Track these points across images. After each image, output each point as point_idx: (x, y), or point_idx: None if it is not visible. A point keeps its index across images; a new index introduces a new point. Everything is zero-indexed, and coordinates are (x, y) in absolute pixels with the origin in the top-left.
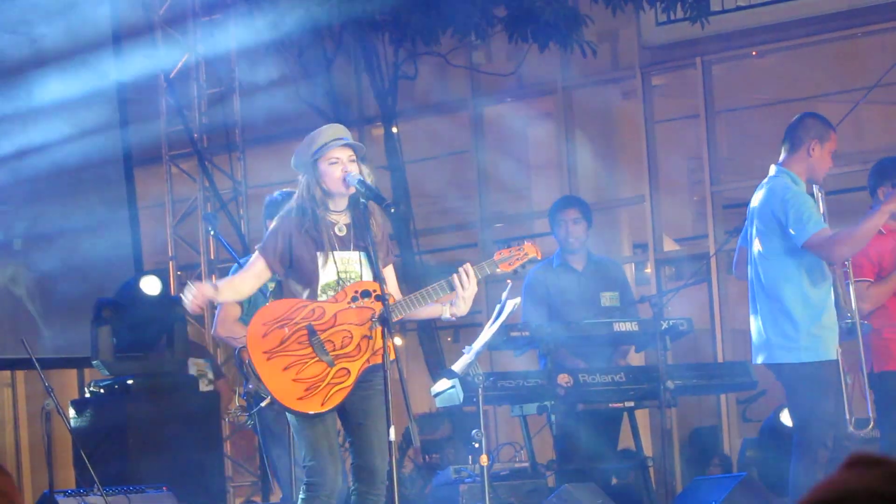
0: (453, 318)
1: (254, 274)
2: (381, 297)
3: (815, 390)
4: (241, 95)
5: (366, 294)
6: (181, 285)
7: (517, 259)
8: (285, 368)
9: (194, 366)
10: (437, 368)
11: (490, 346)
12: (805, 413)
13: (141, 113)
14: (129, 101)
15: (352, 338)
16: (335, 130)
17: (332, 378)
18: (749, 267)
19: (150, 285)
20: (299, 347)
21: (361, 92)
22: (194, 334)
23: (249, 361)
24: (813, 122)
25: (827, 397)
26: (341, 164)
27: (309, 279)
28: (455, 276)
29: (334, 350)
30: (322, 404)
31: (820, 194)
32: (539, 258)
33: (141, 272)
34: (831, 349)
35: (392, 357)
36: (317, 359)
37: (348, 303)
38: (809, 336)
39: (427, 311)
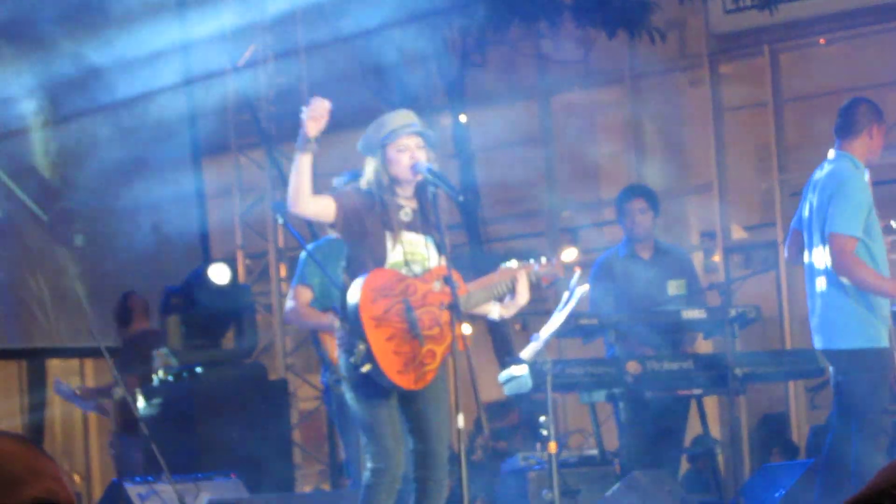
0: (500, 319)
1: (322, 202)
2: (448, 282)
3: (871, 377)
4: (310, 85)
5: (448, 281)
6: (249, 274)
7: (556, 265)
8: (388, 339)
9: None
10: (506, 356)
11: (558, 334)
12: (861, 400)
13: (209, 101)
14: (196, 89)
15: (437, 321)
16: (405, 117)
17: (422, 358)
18: (806, 250)
19: (219, 273)
20: (398, 321)
21: (430, 80)
22: (263, 323)
23: (360, 325)
24: (868, 107)
25: (883, 384)
26: (409, 152)
27: (379, 257)
28: (519, 277)
29: (424, 330)
30: (416, 382)
31: (869, 179)
32: (562, 276)
33: (209, 260)
34: (883, 336)
35: (461, 348)
36: (411, 335)
37: (433, 286)
38: (862, 322)
39: (482, 307)
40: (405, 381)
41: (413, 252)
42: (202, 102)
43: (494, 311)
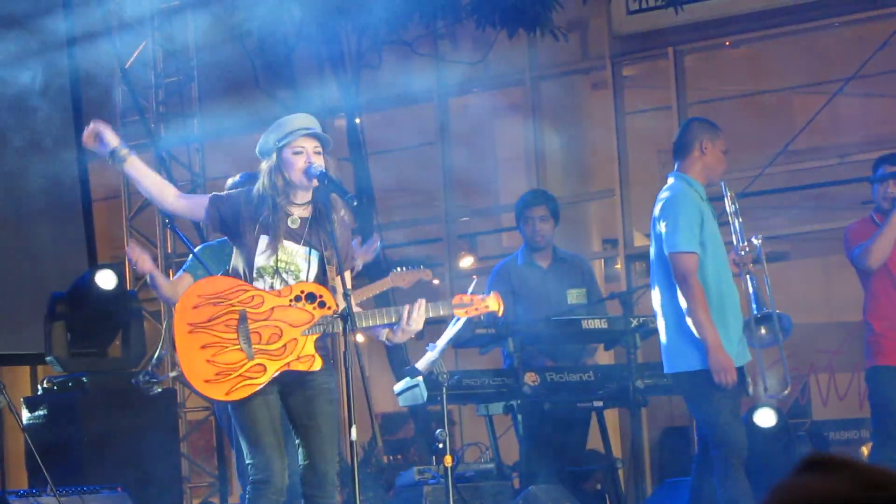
0: (388, 343)
1: (193, 202)
2: (346, 294)
3: (717, 395)
4: (200, 85)
5: (311, 297)
6: (137, 279)
7: (476, 309)
8: (203, 346)
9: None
10: (401, 366)
11: (455, 344)
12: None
13: (95, 103)
14: (82, 90)
15: (280, 336)
16: (304, 120)
17: (245, 370)
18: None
19: (106, 279)
20: (225, 330)
21: (324, 81)
22: (151, 331)
23: (168, 326)
24: (699, 124)
25: (727, 402)
26: (305, 155)
27: (248, 256)
28: (406, 308)
29: (258, 343)
30: (227, 393)
31: (730, 194)
32: (500, 315)
33: (96, 266)
34: (736, 354)
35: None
36: (238, 347)
37: (290, 300)
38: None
39: (373, 326)
40: (213, 391)
41: (288, 262)
42: (88, 102)
43: (382, 335)
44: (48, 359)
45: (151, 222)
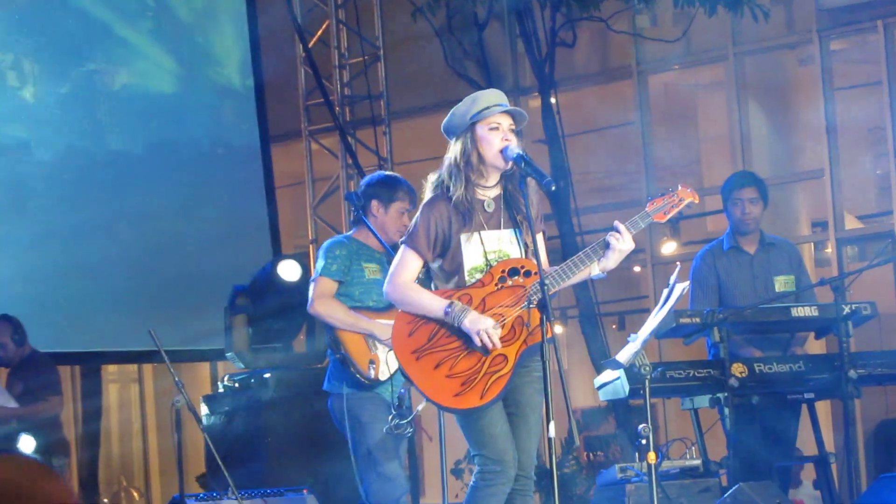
0: (603, 274)
1: (412, 272)
2: (539, 276)
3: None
4: (386, 65)
5: (514, 272)
6: None
7: (672, 206)
8: (437, 366)
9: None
10: (601, 359)
11: (658, 334)
12: None
13: (278, 84)
14: (265, 71)
15: (504, 322)
16: (497, 96)
17: (488, 367)
18: None
19: (289, 270)
20: (448, 341)
21: (516, 60)
22: None
23: (400, 367)
24: None
25: None
26: (502, 132)
27: (457, 263)
28: (609, 234)
29: None
30: (482, 397)
31: None
32: (696, 201)
33: (279, 256)
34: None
35: (549, 335)
36: (469, 349)
37: (496, 284)
38: None
39: (579, 275)
40: (467, 401)
41: (496, 250)
42: (270, 84)
43: (594, 269)
44: (228, 355)
45: (336, 208)
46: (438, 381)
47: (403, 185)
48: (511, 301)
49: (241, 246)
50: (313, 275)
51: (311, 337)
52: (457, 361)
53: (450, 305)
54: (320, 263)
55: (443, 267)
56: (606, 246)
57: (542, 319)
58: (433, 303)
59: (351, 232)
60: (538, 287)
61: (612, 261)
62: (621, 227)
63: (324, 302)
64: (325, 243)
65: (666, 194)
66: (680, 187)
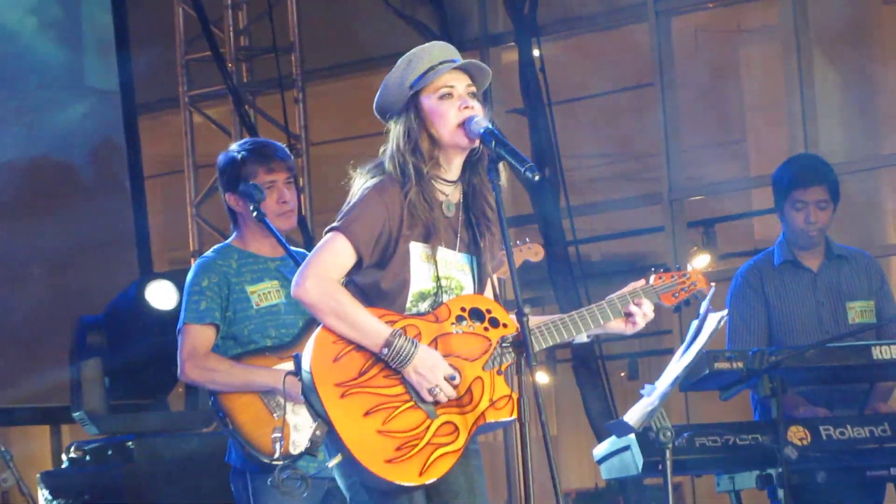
0: (588, 339)
1: (341, 269)
2: (520, 314)
3: None
4: (300, 7)
5: (476, 315)
6: None
7: (682, 289)
8: (367, 413)
9: None
10: (604, 420)
11: (683, 386)
12: None
13: (145, 30)
14: (129, 13)
15: (460, 377)
16: (441, 50)
17: (433, 436)
18: None
19: (161, 294)
20: (387, 383)
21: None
22: None
23: (317, 401)
24: None
25: None
26: (457, 98)
27: (401, 281)
28: (632, 299)
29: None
30: (420, 473)
31: None
32: (708, 293)
33: (148, 275)
34: None
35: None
36: (412, 404)
37: (452, 324)
38: None
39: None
40: (402, 474)
41: (448, 276)
42: (137, 31)
43: (582, 335)
44: (76, 415)
45: (220, 208)
46: (367, 435)
47: (270, 146)
48: (473, 353)
49: (95, 263)
50: (178, 323)
51: (194, 390)
52: (394, 415)
53: (394, 335)
54: (183, 306)
55: (378, 282)
56: (620, 307)
57: (519, 364)
58: (370, 324)
59: (231, 238)
60: (507, 346)
61: (609, 328)
62: (645, 300)
63: (197, 363)
64: (190, 271)
65: (674, 271)
66: (691, 268)
